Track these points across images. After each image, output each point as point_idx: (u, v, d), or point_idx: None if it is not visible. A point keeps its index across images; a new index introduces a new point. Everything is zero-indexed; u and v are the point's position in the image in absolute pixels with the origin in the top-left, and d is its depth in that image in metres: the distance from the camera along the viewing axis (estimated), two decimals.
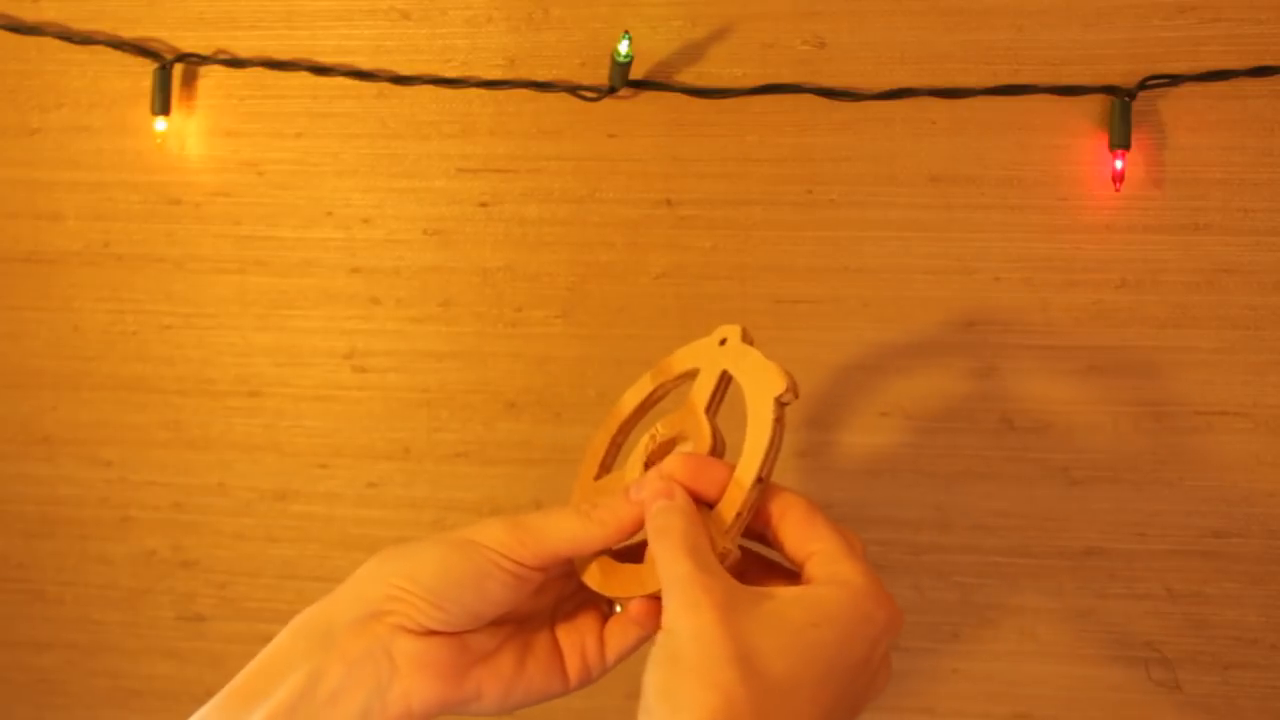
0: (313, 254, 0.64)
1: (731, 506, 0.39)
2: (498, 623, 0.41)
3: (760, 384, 0.40)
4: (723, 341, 0.43)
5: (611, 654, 0.43)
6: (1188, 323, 0.58)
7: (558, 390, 0.63)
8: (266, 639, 0.67)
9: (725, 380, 0.43)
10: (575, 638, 0.43)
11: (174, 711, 0.69)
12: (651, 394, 0.46)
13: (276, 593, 0.67)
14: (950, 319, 0.60)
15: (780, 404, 0.40)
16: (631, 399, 0.46)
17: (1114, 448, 0.60)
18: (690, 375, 0.44)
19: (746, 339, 0.43)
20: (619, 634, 0.43)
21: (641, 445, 0.44)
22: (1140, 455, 0.60)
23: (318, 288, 0.64)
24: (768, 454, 0.39)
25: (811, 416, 0.62)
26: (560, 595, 0.44)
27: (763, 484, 0.39)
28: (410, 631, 0.39)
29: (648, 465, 0.43)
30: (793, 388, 0.40)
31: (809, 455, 0.62)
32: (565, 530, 0.40)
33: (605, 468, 0.46)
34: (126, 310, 0.66)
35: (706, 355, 0.44)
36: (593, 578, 0.42)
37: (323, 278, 0.64)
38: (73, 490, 0.68)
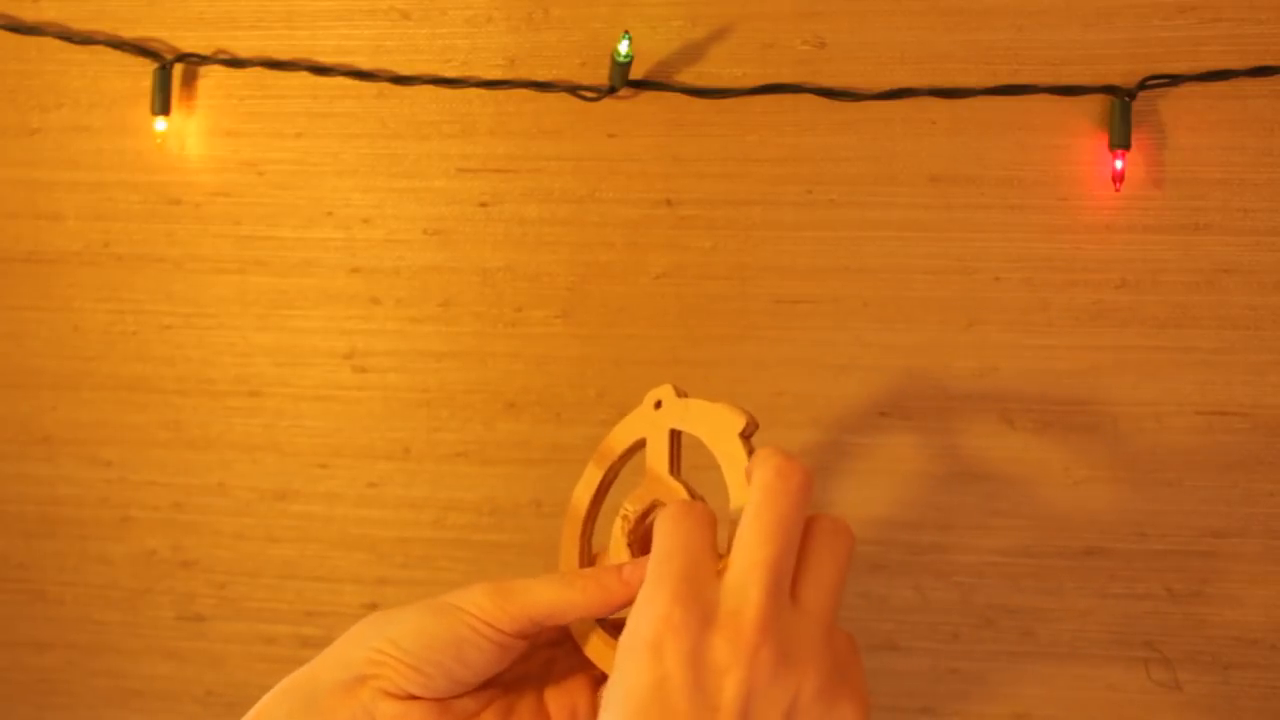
0: (313, 254, 0.64)
1: None
2: (482, 686, 0.41)
3: (718, 427, 0.40)
4: (658, 405, 0.43)
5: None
6: (1188, 323, 0.58)
7: (558, 390, 0.63)
8: (267, 639, 0.68)
9: (676, 439, 0.43)
10: (566, 700, 0.42)
11: (174, 711, 0.69)
12: (602, 481, 0.45)
13: (276, 593, 0.67)
14: (950, 319, 0.60)
15: (746, 438, 0.40)
16: (584, 493, 0.46)
17: (1114, 448, 0.60)
18: (636, 448, 0.44)
19: (681, 394, 0.43)
20: None
21: (617, 528, 0.43)
22: (1140, 455, 0.60)
23: (318, 288, 0.64)
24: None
25: (811, 416, 0.62)
26: (549, 660, 0.44)
27: None
28: (392, 696, 0.39)
29: (630, 545, 0.43)
30: (752, 420, 0.40)
31: (809, 455, 0.62)
32: (545, 596, 0.40)
33: (584, 564, 0.46)
34: (126, 310, 0.66)
35: (647, 422, 0.44)
36: (596, 651, 0.42)
37: (323, 278, 0.64)
38: (73, 490, 0.68)
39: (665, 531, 0.36)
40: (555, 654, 0.44)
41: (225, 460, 0.67)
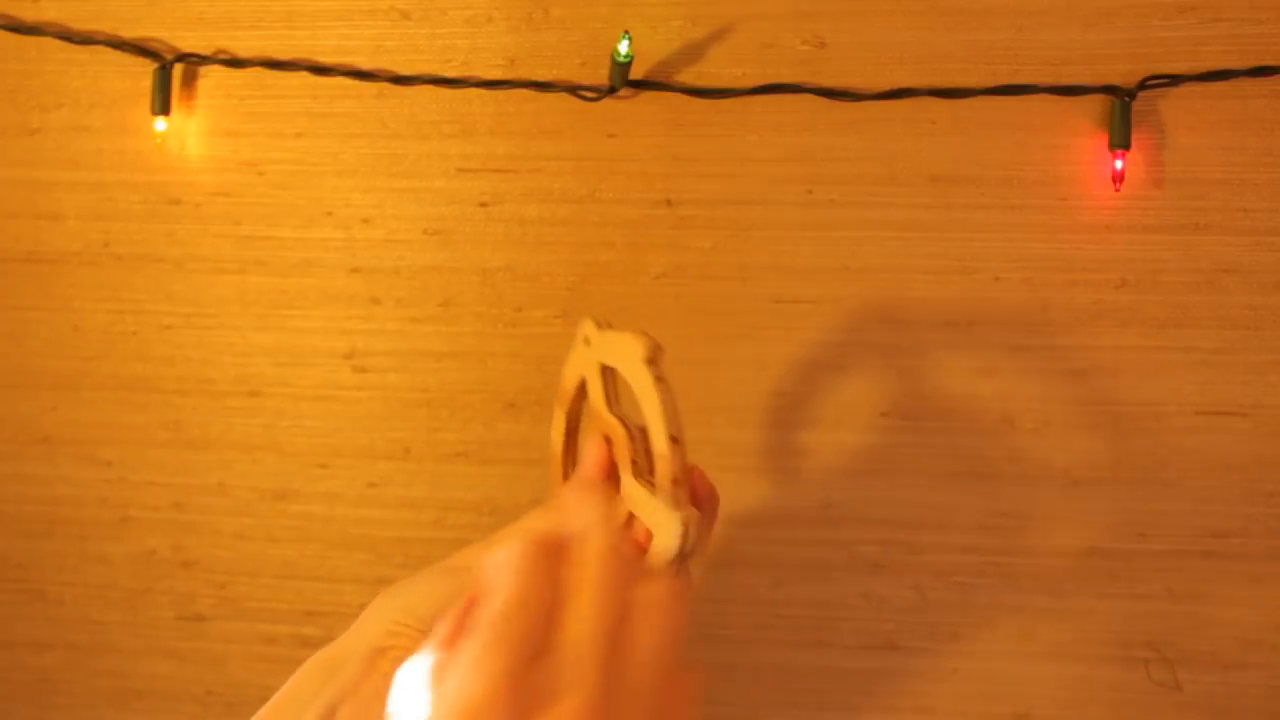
0: (313, 254, 0.64)
1: (665, 477, 0.39)
2: None
3: (626, 358, 0.41)
4: (587, 341, 0.44)
5: None
6: (1188, 323, 0.58)
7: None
8: (267, 639, 0.68)
9: (608, 373, 0.43)
10: None
11: (174, 711, 0.69)
12: (568, 425, 0.46)
13: (276, 593, 0.67)
14: (950, 319, 0.60)
15: (650, 364, 0.39)
16: (556, 436, 0.47)
17: (1114, 448, 0.60)
18: (584, 388, 0.45)
19: (602, 326, 0.43)
20: None
21: None
22: (1140, 455, 0.60)
23: (318, 288, 0.64)
24: (666, 414, 0.39)
25: (812, 416, 0.62)
26: None
27: (678, 443, 0.39)
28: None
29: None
30: (653, 344, 0.40)
31: (809, 455, 0.62)
32: (538, 528, 0.41)
33: None
34: (126, 310, 0.66)
35: (582, 360, 0.44)
36: None
37: (323, 278, 0.64)
38: (73, 490, 0.68)
39: (507, 580, 0.32)
40: None
41: (225, 460, 0.66)
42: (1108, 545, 0.61)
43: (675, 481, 0.39)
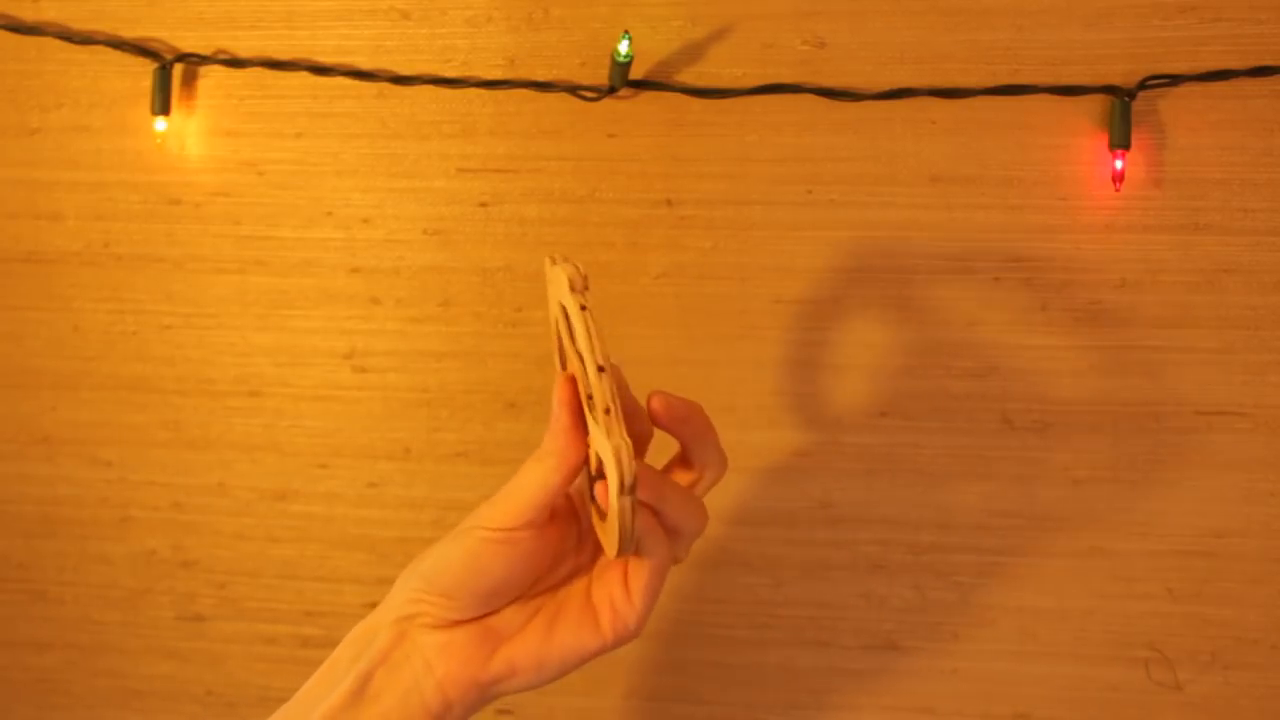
0: (313, 254, 0.64)
1: (598, 408, 0.39)
2: (530, 597, 0.44)
3: (560, 290, 0.41)
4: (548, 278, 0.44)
5: (637, 597, 0.43)
6: (1188, 323, 0.58)
7: None
8: (267, 639, 0.68)
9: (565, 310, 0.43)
10: (605, 590, 0.44)
11: (174, 712, 0.69)
12: (560, 348, 0.46)
13: (276, 593, 0.67)
14: (950, 319, 0.60)
15: (574, 292, 0.40)
16: (559, 368, 0.47)
17: (1114, 448, 0.60)
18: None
19: (555, 261, 0.43)
20: (637, 573, 0.43)
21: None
22: (1140, 455, 0.60)
23: (318, 288, 0.64)
24: (590, 342, 0.39)
25: (811, 416, 0.62)
26: (598, 550, 0.46)
27: (604, 371, 0.39)
28: (433, 627, 0.42)
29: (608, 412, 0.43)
30: (574, 272, 0.40)
31: (809, 455, 0.62)
32: (529, 479, 0.42)
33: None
34: (126, 310, 0.66)
35: (550, 296, 0.45)
36: (598, 528, 0.43)
37: (323, 278, 0.64)
38: (73, 490, 0.68)
39: None
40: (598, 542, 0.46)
41: (225, 460, 0.66)
42: (1108, 545, 0.61)
43: (606, 410, 0.39)
